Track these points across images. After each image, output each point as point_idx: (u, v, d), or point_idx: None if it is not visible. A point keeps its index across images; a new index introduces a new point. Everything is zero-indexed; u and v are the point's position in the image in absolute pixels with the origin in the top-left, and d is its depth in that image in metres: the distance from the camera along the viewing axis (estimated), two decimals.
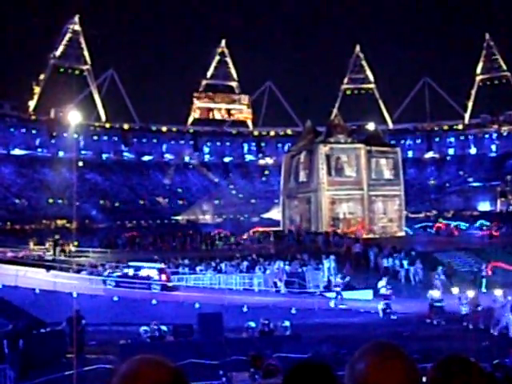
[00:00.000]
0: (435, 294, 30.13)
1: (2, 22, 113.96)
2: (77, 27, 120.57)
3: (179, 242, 56.70)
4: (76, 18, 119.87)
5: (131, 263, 36.87)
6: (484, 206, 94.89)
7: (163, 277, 34.68)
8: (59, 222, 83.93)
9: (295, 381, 2.30)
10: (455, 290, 30.47)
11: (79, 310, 23.18)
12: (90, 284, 34.28)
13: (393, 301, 31.82)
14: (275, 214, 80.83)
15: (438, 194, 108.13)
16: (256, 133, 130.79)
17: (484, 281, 37.74)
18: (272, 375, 9.77)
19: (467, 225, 69.76)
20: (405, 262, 40.84)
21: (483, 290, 35.90)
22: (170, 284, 34.94)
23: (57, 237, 52.88)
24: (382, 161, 63.54)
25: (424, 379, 2.19)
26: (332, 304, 32.99)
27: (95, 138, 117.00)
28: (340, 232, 56.42)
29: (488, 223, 66.34)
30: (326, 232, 55.56)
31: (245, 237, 61.98)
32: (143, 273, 34.94)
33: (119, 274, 35.62)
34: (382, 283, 33.67)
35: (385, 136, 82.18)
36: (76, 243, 50.79)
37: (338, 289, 34.21)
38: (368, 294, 35.95)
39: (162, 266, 36.95)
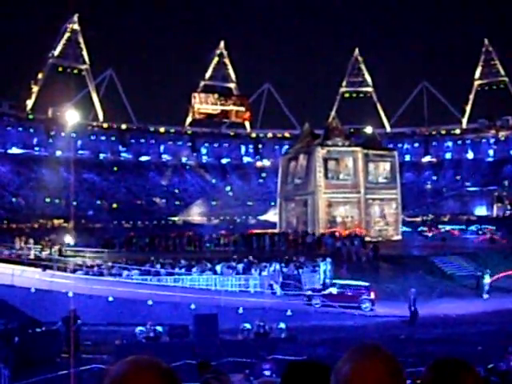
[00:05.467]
0: None
1: (0, 20, 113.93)
2: (76, 26, 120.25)
3: (172, 243, 56.47)
4: (75, 18, 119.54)
5: (336, 281, 35.60)
6: (481, 211, 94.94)
7: (372, 295, 33.71)
8: (56, 222, 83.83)
9: (293, 379, 2.31)
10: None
11: (75, 310, 23.16)
12: (86, 284, 34.17)
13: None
14: (272, 216, 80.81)
15: (434, 198, 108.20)
16: (254, 135, 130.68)
17: None
18: None
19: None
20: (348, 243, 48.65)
21: None
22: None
23: (51, 237, 52.76)
24: (380, 164, 63.55)
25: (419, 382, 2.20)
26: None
27: (93, 137, 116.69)
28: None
29: (490, 227, 66.60)
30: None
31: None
32: (349, 291, 34.01)
33: (325, 292, 34.37)
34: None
35: (382, 140, 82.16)
36: (64, 242, 50.77)
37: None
38: None
39: (367, 284, 35.23)
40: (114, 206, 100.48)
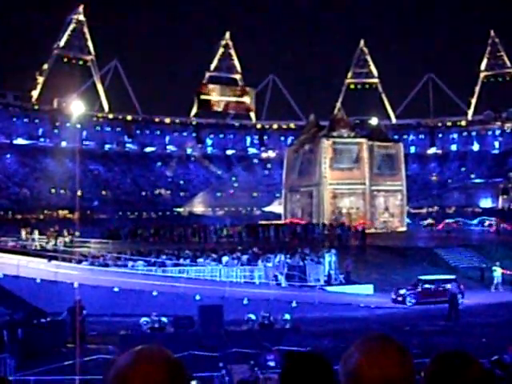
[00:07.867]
0: None
1: (5, 11, 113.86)
2: (81, 17, 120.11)
3: (177, 234, 56.57)
4: (80, 8, 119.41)
5: (423, 277, 35.16)
6: (486, 203, 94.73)
7: (461, 287, 32.92)
8: (61, 212, 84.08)
9: (293, 371, 2.31)
10: None
11: (81, 300, 23.23)
12: (91, 274, 34.19)
13: None
14: (277, 207, 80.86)
15: (440, 190, 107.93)
16: (259, 126, 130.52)
17: None
18: None
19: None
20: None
21: None
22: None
23: (56, 228, 52.92)
24: (385, 156, 63.48)
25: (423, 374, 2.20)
26: None
27: (98, 128, 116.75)
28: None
29: (493, 219, 66.44)
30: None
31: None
32: (439, 286, 33.66)
33: (418, 290, 34.04)
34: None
35: (388, 131, 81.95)
36: (69, 233, 50.97)
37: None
38: (368, 289, 35.99)
39: (453, 276, 34.58)
40: (119, 196, 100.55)
